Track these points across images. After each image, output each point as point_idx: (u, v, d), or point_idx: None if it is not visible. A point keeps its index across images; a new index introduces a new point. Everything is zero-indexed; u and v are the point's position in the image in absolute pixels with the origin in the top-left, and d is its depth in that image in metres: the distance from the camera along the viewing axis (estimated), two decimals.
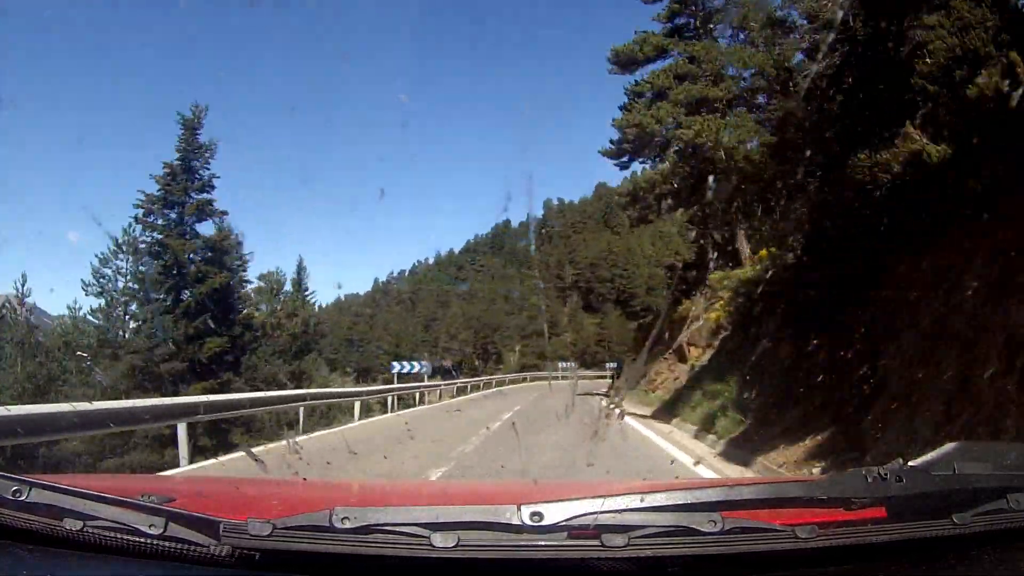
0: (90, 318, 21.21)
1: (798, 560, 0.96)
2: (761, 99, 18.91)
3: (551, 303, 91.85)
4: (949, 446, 1.19)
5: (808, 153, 9.07)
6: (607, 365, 56.66)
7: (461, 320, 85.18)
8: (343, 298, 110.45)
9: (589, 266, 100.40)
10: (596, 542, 0.91)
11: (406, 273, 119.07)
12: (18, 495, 0.99)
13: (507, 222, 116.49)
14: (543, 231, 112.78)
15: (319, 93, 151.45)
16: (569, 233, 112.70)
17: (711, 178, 20.32)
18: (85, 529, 0.97)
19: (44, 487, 1.00)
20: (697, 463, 8.13)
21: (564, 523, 0.91)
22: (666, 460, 8.53)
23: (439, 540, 0.89)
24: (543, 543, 0.92)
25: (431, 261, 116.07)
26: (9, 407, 6.10)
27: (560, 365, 58.94)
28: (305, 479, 2.40)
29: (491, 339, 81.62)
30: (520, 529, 0.90)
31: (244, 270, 25.62)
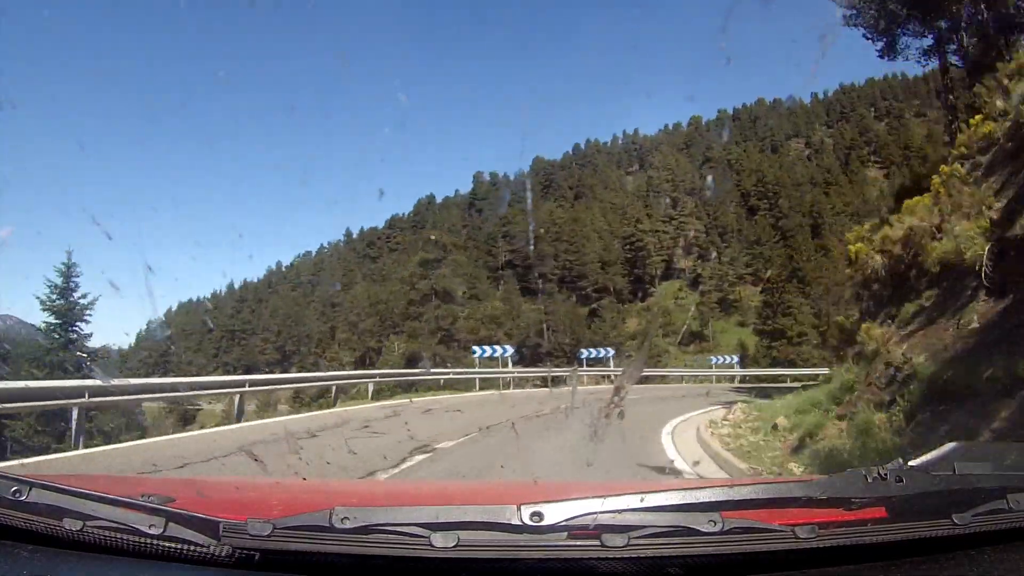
0: None
1: (798, 560, 0.96)
2: None
3: (478, 283, 72.60)
4: (949, 446, 1.20)
5: None
6: (584, 355, 32.77)
7: (366, 305, 68.25)
8: (236, 286, 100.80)
9: (527, 242, 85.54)
10: (596, 542, 0.91)
11: (312, 255, 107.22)
12: (18, 495, 0.99)
13: (431, 197, 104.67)
14: (472, 204, 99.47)
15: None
16: (502, 205, 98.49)
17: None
18: (85, 529, 0.97)
19: (44, 487, 1.00)
20: None
21: (564, 523, 0.91)
22: None
23: (439, 540, 0.90)
24: (543, 543, 0.92)
25: (341, 242, 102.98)
26: None
27: (478, 353, 28.54)
28: (305, 479, 2.40)
29: (401, 328, 63.54)
30: (520, 529, 0.90)
31: None
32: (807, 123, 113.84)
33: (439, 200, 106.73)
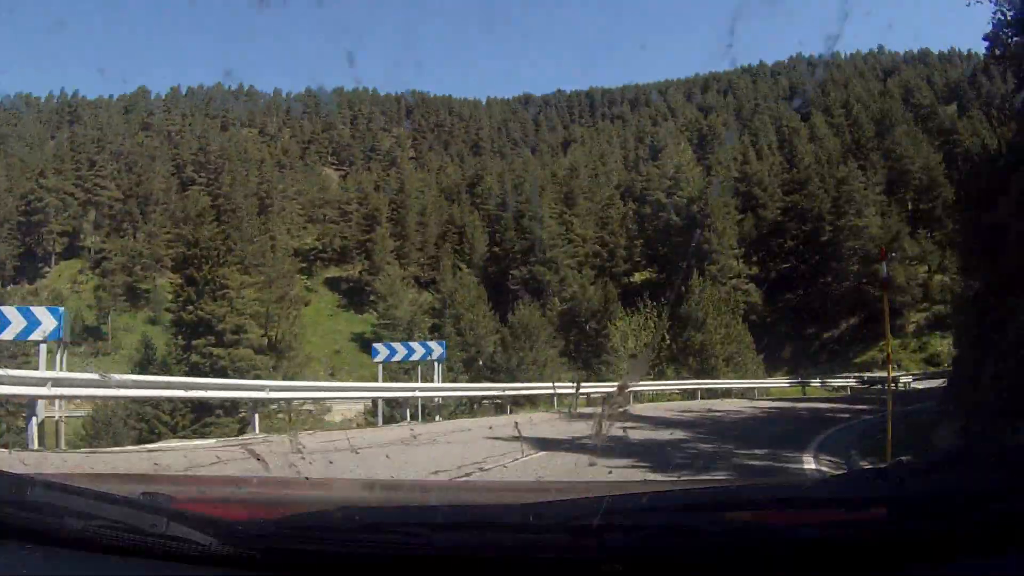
0: None
1: (799, 561, 0.96)
2: None
3: None
4: (950, 447, 1.20)
5: None
6: None
7: None
8: None
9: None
10: (597, 542, 0.91)
11: None
12: (19, 493, 0.99)
13: None
14: None
15: None
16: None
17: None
18: (87, 528, 0.97)
19: (46, 485, 1.01)
20: None
21: (566, 523, 0.91)
22: None
23: (441, 539, 0.90)
24: (544, 542, 0.92)
25: None
26: None
27: None
28: (308, 478, 2.40)
29: None
30: (522, 528, 0.90)
31: None
32: (265, 114, 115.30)
33: None
